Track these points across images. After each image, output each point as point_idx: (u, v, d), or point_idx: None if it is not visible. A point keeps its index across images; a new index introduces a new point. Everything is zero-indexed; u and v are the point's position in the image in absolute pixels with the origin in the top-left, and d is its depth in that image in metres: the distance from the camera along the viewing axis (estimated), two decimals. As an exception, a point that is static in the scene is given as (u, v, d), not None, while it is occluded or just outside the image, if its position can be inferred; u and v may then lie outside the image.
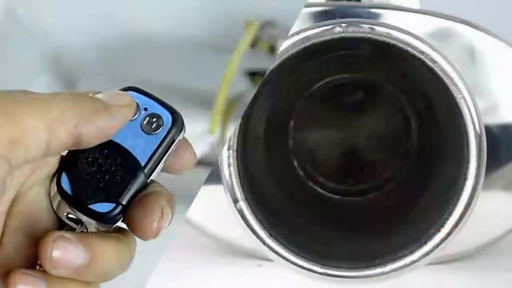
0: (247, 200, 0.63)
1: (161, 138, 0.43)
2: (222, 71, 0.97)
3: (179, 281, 0.71)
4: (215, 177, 0.64)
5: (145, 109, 0.43)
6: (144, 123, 0.43)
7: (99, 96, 0.41)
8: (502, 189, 0.70)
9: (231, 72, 0.96)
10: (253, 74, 1.05)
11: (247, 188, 0.64)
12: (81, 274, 0.39)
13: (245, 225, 0.63)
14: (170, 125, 0.43)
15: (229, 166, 0.63)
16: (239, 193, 0.63)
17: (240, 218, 0.63)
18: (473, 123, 0.62)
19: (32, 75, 1.05)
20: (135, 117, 0.43)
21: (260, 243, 0.64)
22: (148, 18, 1.04)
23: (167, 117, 0.43)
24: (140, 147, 0.42)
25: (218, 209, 0.67)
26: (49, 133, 0.38)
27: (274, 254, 0.64)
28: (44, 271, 0.39)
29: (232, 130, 0.64)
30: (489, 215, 0.69)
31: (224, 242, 0.73)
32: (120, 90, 0.43)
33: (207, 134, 0.87)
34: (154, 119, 0.43)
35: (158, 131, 0.43)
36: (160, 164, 0.43)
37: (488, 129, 0.65)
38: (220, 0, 1.03)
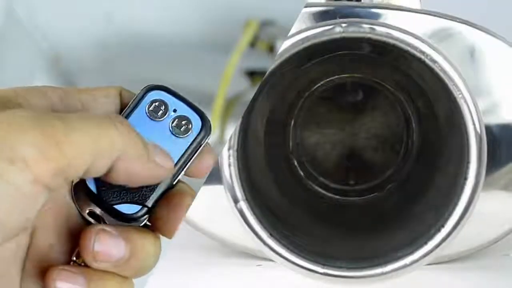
0: (247, 200, 0.63)
1: (190, 142, 0.42)
2: (221, 71, 0.97)
3: (179, 281, 0.71)
4: (215, 177, 0.64)
5: (174, 110, 0.42)
6: (173, 125, 0.42)
7: (149, 143, 0.40)
8: (502, 189, 0.70)
9: (230, 72, 0.96)
10: (252, 74, 1.05)
11: (247, 188, 0.64)
12: (120, 268, 0.40)
13: (245, 225, 0.63)
14: (199, 130, 0.42)
15: (229, 166, 0.63)
16: (239, 193, 0.63)
17: (240, 218, 0.63)
18: (473, 123, 0.62)
19: (31, 75, 1.05)
20: (164, 118, 0.42)
21: (260, 243, 0.64)
22: (147, 18, 1.04)
23: (196, 121, 0.42)
24: (167, 150, 0.41)
25: (218, 209, 0.67)
26: (92, 163, 0.38)
27: (274, 254, 0.64)
28: (81, 266, 0.40)
29: (232, 130, 0.64)
30: (489, 215, 0.69)
31: (224, 242, 0.73)
32: (146, 87, 0.42)
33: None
34: (183, 122, 0.42)
35: (187, 134, 0.42)
36: (186, 167, 0.42)
37: (488, 129, 0.66)
38: (219, 0, 1.03)
